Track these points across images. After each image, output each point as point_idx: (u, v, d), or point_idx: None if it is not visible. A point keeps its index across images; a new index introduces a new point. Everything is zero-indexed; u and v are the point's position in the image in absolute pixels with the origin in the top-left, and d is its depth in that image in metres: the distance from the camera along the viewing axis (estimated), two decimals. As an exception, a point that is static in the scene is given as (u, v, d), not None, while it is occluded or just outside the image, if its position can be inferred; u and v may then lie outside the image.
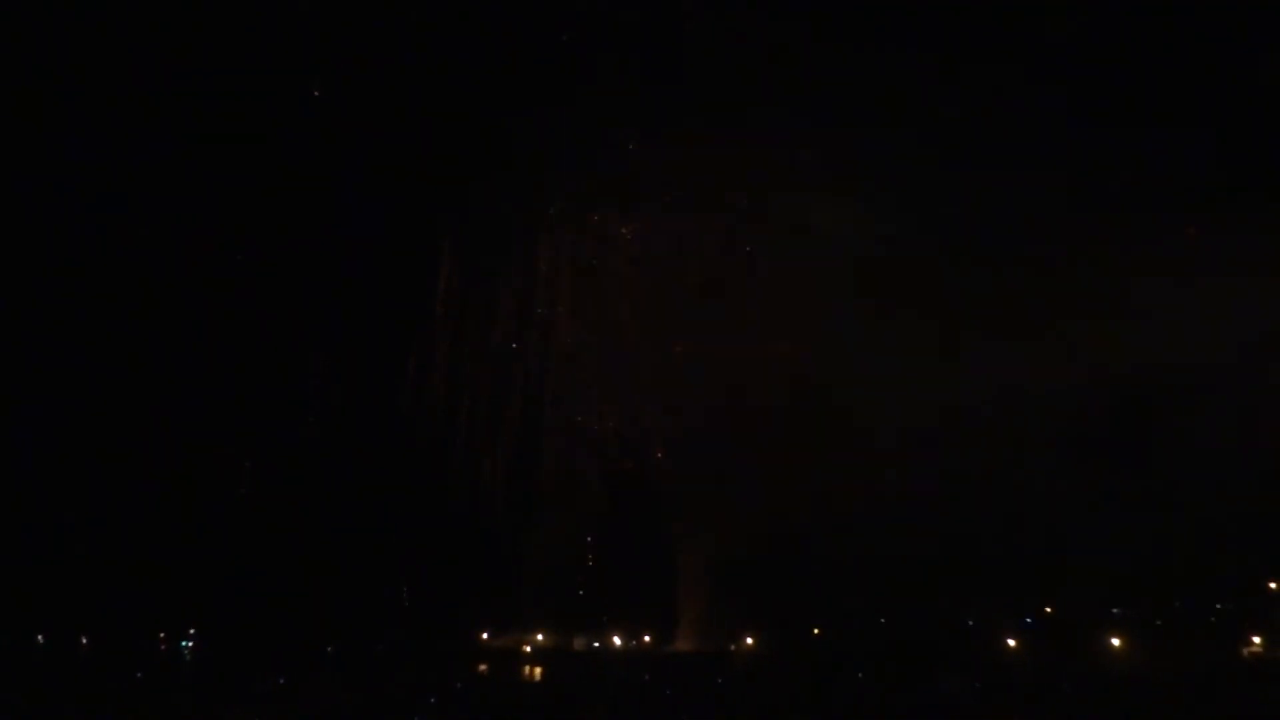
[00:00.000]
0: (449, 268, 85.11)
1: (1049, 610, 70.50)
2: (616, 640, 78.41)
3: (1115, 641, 64.90)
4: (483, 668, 77.27)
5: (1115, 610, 68.04)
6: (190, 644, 79.02)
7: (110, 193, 79.84)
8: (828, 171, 74.30)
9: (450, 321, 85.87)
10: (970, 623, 71.17)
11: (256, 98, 78.98)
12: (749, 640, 75.76)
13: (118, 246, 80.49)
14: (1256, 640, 63.59)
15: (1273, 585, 66.71)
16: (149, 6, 75.84)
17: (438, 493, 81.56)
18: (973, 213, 72.69)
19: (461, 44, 79.58)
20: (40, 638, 76.17)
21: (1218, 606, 67.07)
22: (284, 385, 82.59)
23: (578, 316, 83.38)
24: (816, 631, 74.91)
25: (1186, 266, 68.06)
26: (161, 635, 78.38)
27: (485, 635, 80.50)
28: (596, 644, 78.57)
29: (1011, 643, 68.12)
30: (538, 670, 76.21)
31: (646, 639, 78.02)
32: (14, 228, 77.56)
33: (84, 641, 76.62)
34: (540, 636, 79.36)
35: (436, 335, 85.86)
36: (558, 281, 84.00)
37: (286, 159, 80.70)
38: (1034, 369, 70.81)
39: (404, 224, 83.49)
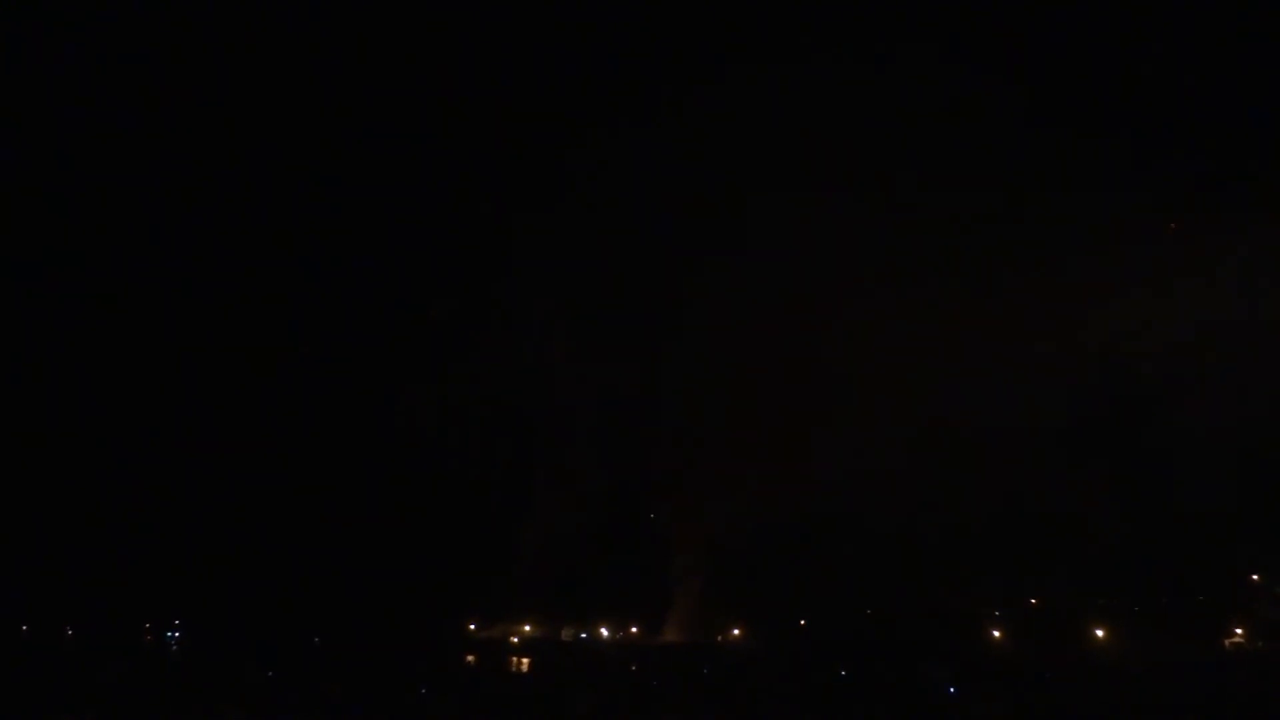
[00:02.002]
0: (449, 279, 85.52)
1: (1034, 601, 70.88)
2: (604, 631, 78.55)
3: (1099, 632, 65.20)
4: (470, 658, 77.35)
5: (1100, 601, 68.34)
6: (176, 635, 78.95)
7: (133, 204, 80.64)
8: (827, 170, 74.31)
9: (445, 321, 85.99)
10: (955, 613, 71.45)
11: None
12: (736, 631, 75.98)
13: (125, 250, 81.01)
14: (1239, 631, 63.96)
15: (1255, 578, 67.06)
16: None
17: (425, 486, 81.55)
18: (970, 212, 72.86)
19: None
20: (25, 628, 76.19)
21: (1201, 598, 67.36)
22: (272, 382, 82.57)
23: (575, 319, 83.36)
24: (803, 622, 75.12)
25: (1176, 265, 68.37)
26: (147, 626, 78.32)
27: (472, 626, 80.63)
28: (584, 635, 78.75)
29: (996, 633, 68.43)
30: (525, 661, 76.28)
31: (634, 630, 78.18)
32: (16, 229, 77.75)
33: (69, 633, 76.68)
34: (528, 627, 79.46)
35: (430, 333, 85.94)
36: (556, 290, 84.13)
37: (296, 174, 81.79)
38: (1020, 367, 71.04)
39: (409, 237, 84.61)
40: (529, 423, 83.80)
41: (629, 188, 78.25)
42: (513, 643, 78.61)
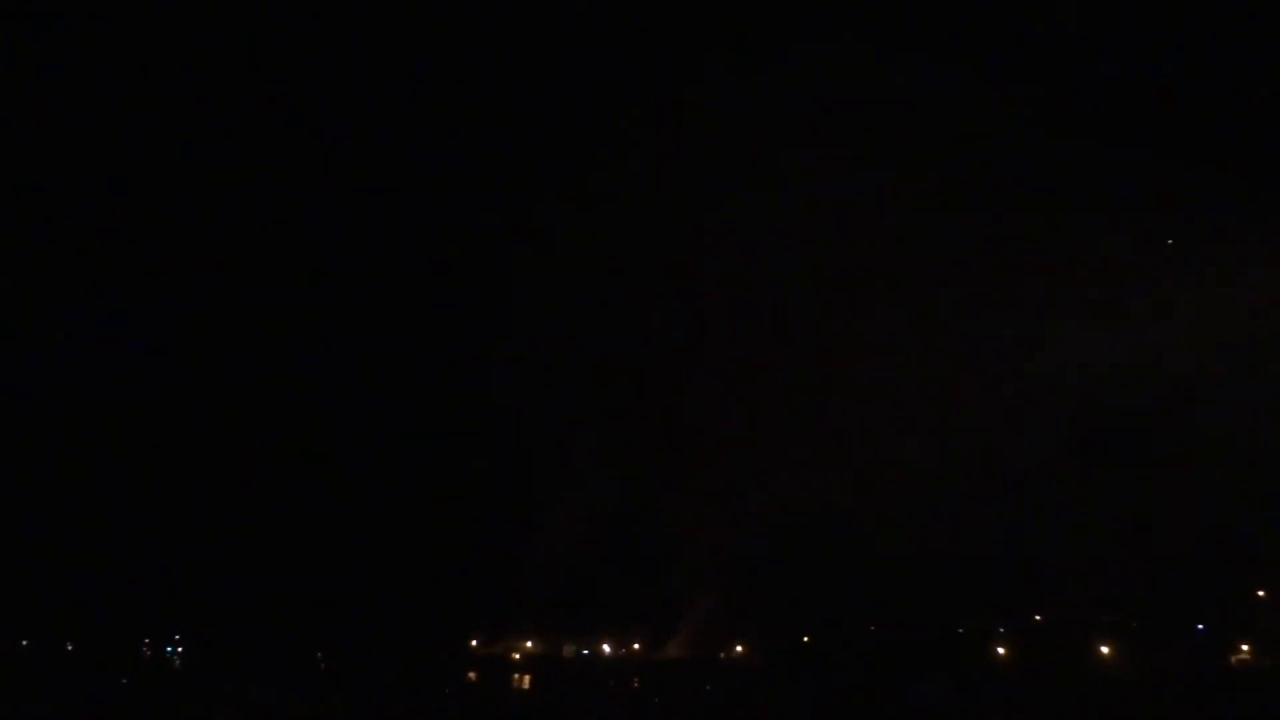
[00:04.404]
0: (449, 289, 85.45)
1: (1038, 618, 70.43)
2: (606, 647, 78.11)
3: (1105, 649, 64.78)
4: (472, 675, 77.00)
5: (1105, 618, 67.93)
6: (179, 650, 78.64)
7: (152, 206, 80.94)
8: (830, 172, 74.18)
9: (448, 333, 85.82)
10: (960, 630, 71.04)
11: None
12: (739, 648, 75.53)
13: (116, 252, 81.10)
14: (1245, 648, 63.46)
15: (1261, 594, 66.64)
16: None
17: (428, 501, 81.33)
18: (973, 216, 72.80)
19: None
20: (25, 643, 75.88)
21: (1207, 614, 66.89)
22: (273, 396, 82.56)
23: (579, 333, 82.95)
24: (806, 639, 74.70)
25: (1181, 277, 68.28)
26: (147, 641, 78.05)
27: (475, 643, 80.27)
28: (586, 651, 78.32)
29: (1000, 650, 67.97)
30: (526, 677, 75.91)
31: (636, 646, 77.73)
32: (16, 229, 77.95)
33: (69, 647, 76.37)
34: (529, 643, 79.06)
35: (433, 345, 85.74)
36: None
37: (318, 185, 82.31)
38: (1026, 383, 70.91)
39: (410, 246, 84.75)
40: (532, 438, 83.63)
41: (636, 191, 78.27)
42: (514, 659, 78.22)
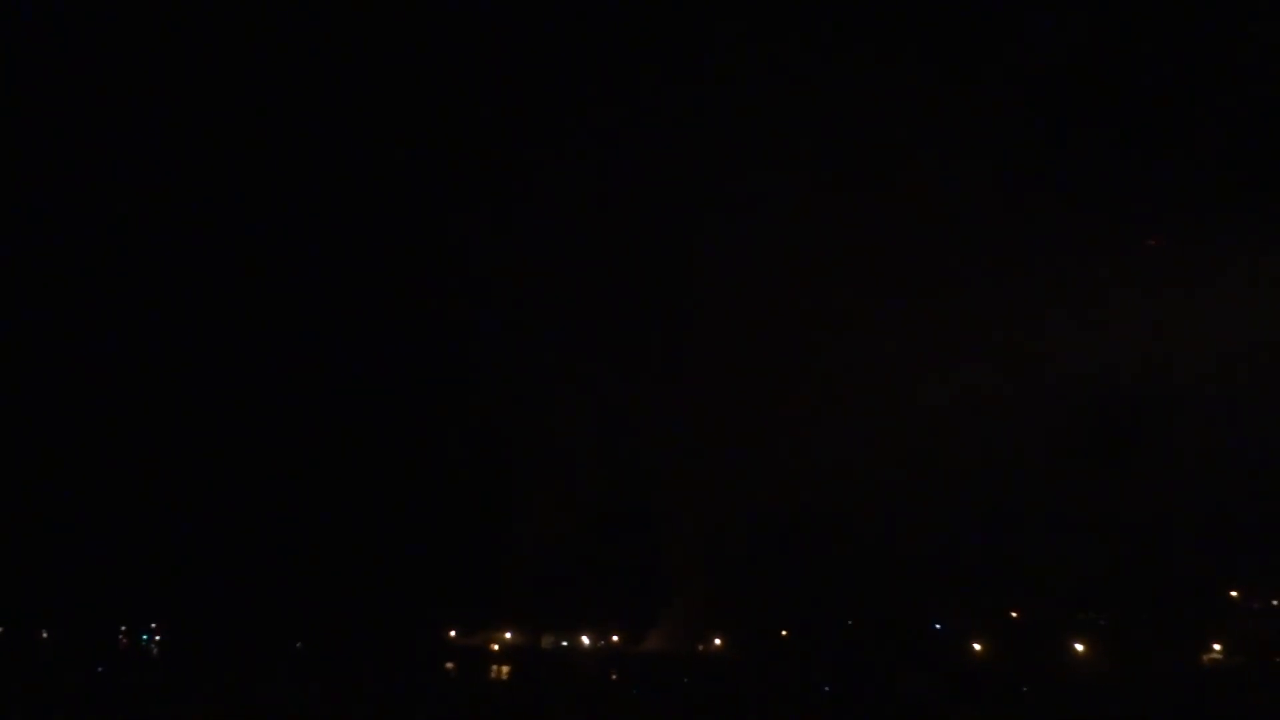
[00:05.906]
0: (429, 278, 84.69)
1: (1014, 615, 71.08)
2: (585, 640, 78.31)
3: (1079, 646, 65.51)
4: (450, 665, 77.01)
5: (1080, 615, 68.64)
6: (155, 638, 78.25)
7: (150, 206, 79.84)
8: (827, 171, 74.07)
9: (427, 325, 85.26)
10: (937, 626, 71.65)
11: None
12: (717, 641, 75.90)
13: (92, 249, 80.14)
14: (1217, 647, 64.30)
15: (1233, 594, 67.48)
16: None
17: (407, 491, 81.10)
18: (965, 220, 72.99)
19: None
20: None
21: (1180, 614, 67.69)
22: (252, 384, 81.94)
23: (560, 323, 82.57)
24: (785, 633, 75.14)
25: (1162, 278, 68.68)
26: (123, 629, 77.61)
27: (453, 634, 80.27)
28: (564, 643, 78.50)
29: (977, 646, 68.63)
30: (505, 669, 76.04)
31: (615, 639, 77.97)
32: (15, 228, 77.02)
33: (44, 635, 75.90)
34: (508, 635, 79.14)
35: (411, 336, 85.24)
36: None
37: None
38: (1007, 381, 71.31)
39: (387, 239, 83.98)
40: (513, 428, 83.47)
41: (619, 184, 77.86)
42: (493, 650, 78.27)
